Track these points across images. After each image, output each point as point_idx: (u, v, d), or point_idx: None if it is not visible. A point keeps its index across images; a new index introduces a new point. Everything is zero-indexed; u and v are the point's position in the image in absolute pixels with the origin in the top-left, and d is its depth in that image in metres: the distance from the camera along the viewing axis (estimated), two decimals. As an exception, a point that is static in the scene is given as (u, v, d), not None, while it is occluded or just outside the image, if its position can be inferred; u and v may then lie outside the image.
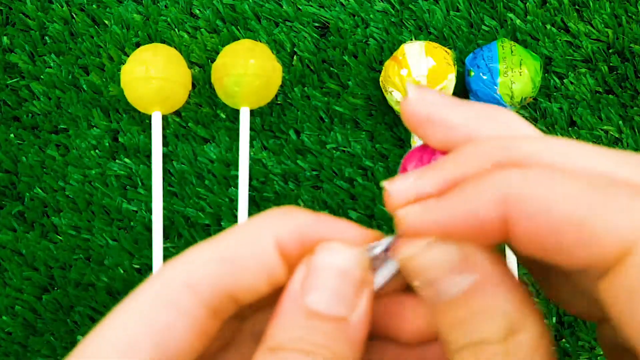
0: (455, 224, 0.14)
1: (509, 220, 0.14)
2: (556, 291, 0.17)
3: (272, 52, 0.43)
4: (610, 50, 0.45)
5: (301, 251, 0.16)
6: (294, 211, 0.17)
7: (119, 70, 0.43)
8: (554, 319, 0.44)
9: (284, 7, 0.45)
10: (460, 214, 0.14)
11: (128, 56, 0.43)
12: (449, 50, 0.42)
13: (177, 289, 0.16)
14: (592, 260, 0.13)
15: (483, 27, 0.45)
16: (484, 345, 0.14)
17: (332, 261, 0.16)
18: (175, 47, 0.44)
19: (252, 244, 0.16)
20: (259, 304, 0.17)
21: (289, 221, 0.16)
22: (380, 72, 0.44)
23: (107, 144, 0.44)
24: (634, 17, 0.45)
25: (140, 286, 0.16)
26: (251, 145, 0.44)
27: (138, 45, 0.44)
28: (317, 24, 0.45)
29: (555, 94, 0.45)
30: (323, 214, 0.17)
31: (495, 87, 0.41)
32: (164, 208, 0.43)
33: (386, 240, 0.17)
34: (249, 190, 0.43)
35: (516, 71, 0.41)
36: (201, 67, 0.44)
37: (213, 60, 0.44)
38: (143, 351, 0.16)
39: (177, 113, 0.44)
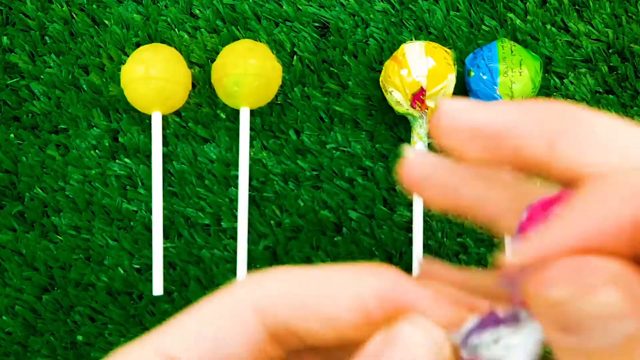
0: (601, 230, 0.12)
1: None
2: None
3: (272, 52, 0.43)
4: (610, 50, 0.45)
5: (389, 314, 0.15)
6: (382, 270, 0.15)
7: (119, 70, 0.43)
8: None
9: (284, 7, 0.45)
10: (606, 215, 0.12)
11: (128, 56, 0.43)
12: (449, 50, 0.42)
13: (243, 306, 0.15)
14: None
15: (483, 27, 0.45)
16: None
17: (409, 337, 0.14)
18: (175, 47, 0.44)
19: (331, 295, 0.15)
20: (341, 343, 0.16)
21: (376, 281, 0.15)
22: (380, 72, 0.44)
23: (107, 144, 0.44)
24: (634, 17, 0.45)
25: (209, 296, 0.15)
26: (251, 145, 0.44)
27: (138, 45, 0.44)
28: (317, 24, 0.45)
29: (555, 94, 0.45)
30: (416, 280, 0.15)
31: (495, 87, 0.41)
32: (164, 208, 0.43)
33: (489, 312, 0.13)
34: (249, 190, 0.43)
35: (516, 71, 0.41)
36: (201, 67, 0.44)
37: (213, 60, 0.44)
38: (202, 350, 0.15)
39: (177, 113, 0.44)
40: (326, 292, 0.15)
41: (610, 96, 0.45)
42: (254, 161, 0.44)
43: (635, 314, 0.12)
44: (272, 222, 0.44)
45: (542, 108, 0.14)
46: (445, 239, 0.43)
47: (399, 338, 0.14)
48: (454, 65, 0.41)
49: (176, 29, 0.45)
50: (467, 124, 0.14)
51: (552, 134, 0.13)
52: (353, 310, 0.14)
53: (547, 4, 0.45)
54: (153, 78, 0.40)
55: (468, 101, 0.14)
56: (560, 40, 0.45)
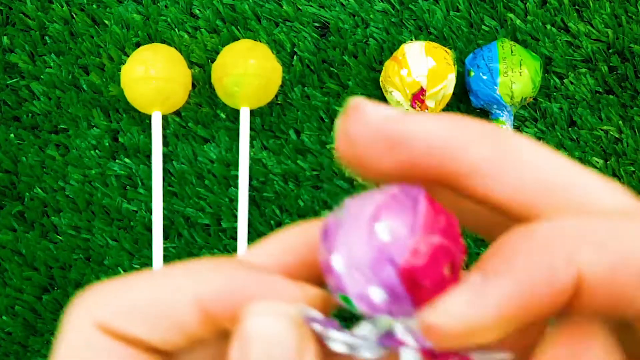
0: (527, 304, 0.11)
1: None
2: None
3: (272, 52, 0.43)
4: (610, 50, 0.45)
5: (232, 312, 0.14)
6: (222, 266, 0.14)
7: (119, 70, 0.43)
8: None
9: (284, 7, 0.45)
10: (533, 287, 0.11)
11: (128, 56, 0.43)
12: (449, 50, 0.42)
13: (87, 328, 0.14)
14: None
15: (483, 27, 0.45)
16: None
17: (259, 329, 0.13)
18: (175, 47, 0.44)
19: (168, 300, 0.14)
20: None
21: (215, 279, 0.14)
22: (380, 72, 0.44)
23: (107, 144, 0.44)
24: (634, 17, 0.45)
25: (58, 333, 0.14)
26: (251, 145, 0.44)
27: (138, 45, 0.44)
28: (317, 24, 0.45)
29: (555, 94, 0.45)
30: (258, 269, 0.15)
31: (495, 87, 0.41)
32: (164, 208, 0.43)
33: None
34: (249, 190, 0.43)
35: (516, 71, 0.41)
36: (201, 67, 0.44)
37: (213, 60, 0.44)
38: None
39: (177, 113, 0.44)
40: (163, 297, 0.14)
41: (610, 96, 0.45)
42: (254, 161, 0.44)
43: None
44: (272, 222, 0.44)
45: (475, 127, 0.12)
46: (445, 239, 0.43)
47: (245, 333, 0.13)
48: (454, 65, 0.41)
49: (176, 29, 0.45)
50: (393, 133, 0.13)
51: (483, 159, 0.12)
52: (194, 313, 0.14)
53: (547, 4, 0.45)
54: (153, 78, 0.40)
55: (385, 107, 0.13)
56: (560, 40, 0.45)
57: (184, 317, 0.14)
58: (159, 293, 0.14)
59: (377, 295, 0.12)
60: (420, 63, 0.40)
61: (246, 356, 0.13)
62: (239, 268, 0.14)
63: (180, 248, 0.43)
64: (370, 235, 0.12)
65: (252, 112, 0.44)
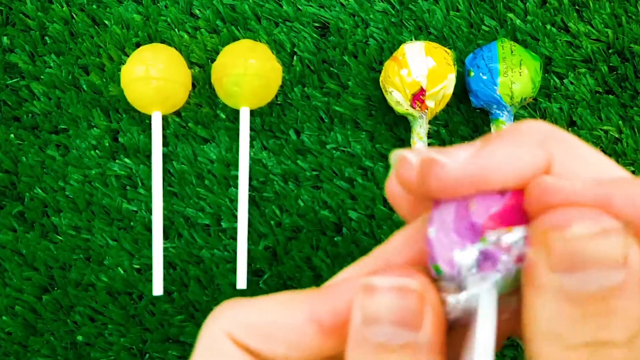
0: None
1: None
2: None
3: (272, 52, 0.43)
4: (610, 50, 0.45)
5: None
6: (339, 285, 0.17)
7: (119, 70, 0.43)
8: None
9: (284, 7, 0.45)
10: None
11: (128, 56, 0.43)
12: (449, 50, 0.42)
13: (222, 341, 0.17)
14: None
15: (483, 27, 0.45)
16: (607, 347, 0.13)
17: (384, 286, 0.15)
18: (175, 47, 0.44)
19: (287, 322, 0.17)
20: None
21: (330, 298, 0.17)
22: (380, 72, 0.44)
23: (107, 144, 0.44)
24: (634, 17, 0.45)
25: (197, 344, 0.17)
26: (251, 146, 0.44)
27: (138, 45, 0.44)
28: (317, 24, 0.45)
29: (555, 94, 0.45)
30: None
31: (495, 87, 0.41)
32: (164, 208, 0.43)
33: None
34: (249, 190, 0.43)
35: (516, 71, 0.41)
36: (201, 67, 0.44)
37: (213, 60, 0.44)
38: None
39: (177, 113, 0.44)
40: (283, 319, 0.16)
41: (610, 96, 0.45)
42: (254, 161, 0.44)
43: (626, 267, 0.13)
44: (272, 222, 0.44)
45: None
46: (445, 239, 0.43)
47: (371, 292, 0.15)
48: (454, 65, 0.41)
49: (176, 29, 0.45)
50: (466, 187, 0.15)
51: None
52: (312, 332, 0.16)
53: (547, 4, 0.45)
54: (153, 78, 0.40)
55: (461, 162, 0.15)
56: (560, 40, 0.45)
57: (301, 336, 0.16)
58: (280, 315, 0.17)
59: (460, 257, 0.15)
60: (420, 63, 0.40)
61: (370, 316, 0.15)
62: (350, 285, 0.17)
63: (180, 248, 0.43)
64: (457, 210, 0.15)
65: (252, 112, 0.44)
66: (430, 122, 0.44)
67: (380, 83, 0.43)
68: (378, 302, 0.15)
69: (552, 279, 0.14)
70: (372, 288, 0.15)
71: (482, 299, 0.15)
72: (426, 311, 0.15)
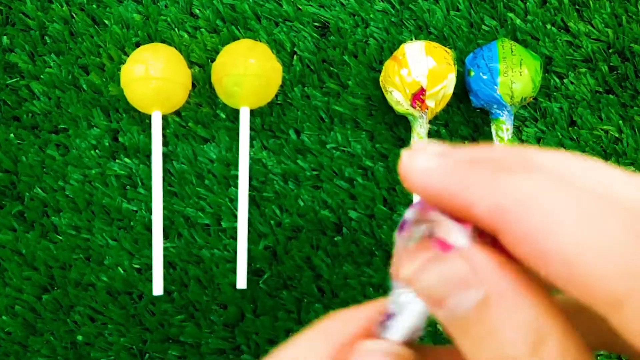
0: (450, 199, 0.14)
1: (499, 229, 0.13)
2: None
3: (272, 52, 0.43)
4: (610, 50, 0.45)
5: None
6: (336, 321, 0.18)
7: (119, 70, 0.43)
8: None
9: (284, 7, 0.45)
10: (456, 195, 0.14)
11: (128, 56, 0.43)
12: (449, 50, 0.42)
13: None
14: (583, 300, 0.12)
15: (483, 27, 0.45)
16: None
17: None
18: (175, 47, 0.44)
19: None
20: None
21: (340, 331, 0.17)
22: (380, 72, 0.44)
23: (107, 144, 0.44)
24: (634, 17, 0.45)
25: None
26: (251, 145, 0.44)
27: (138, 45, 0.44)
28: (317, 24, 0.45)
29: (555, 94, 0.45)
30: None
31: (495, 87, 0.41)
32: (164, 208, 0.43)
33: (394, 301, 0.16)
34: (249, 190, 0.43)
35: (516, 71, 0.41)
36: (201, 67, 0.44)
37: (213, 60, 0.44)
38: None
39: (177, 113, 0.44)
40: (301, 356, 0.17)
41: (610, 96, 0.45)
42: (254, 161, 0.44)
43: (479, 284, 0.13)
44: (272, 222, 0.43)
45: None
46: (445, 239, 0.43)
47: None
48: (454, 65, 0.41)
49: (176, 29, 0.45)
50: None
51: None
52: None
53: (547, 4, 0.45)
54: (153, 78, 0.40)
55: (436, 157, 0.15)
56: (560, 40, 0.45)
57: None
58: (298, 354, 0.17)
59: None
60: (420, 63, 0.40)
61: None
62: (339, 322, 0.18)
63: (180, 248, 0.43)
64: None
65: (252, 112, 0.43)
66: (430, 122, 0.44)
67: (380, 83, 0.43)
68: None
69: (436, 313, 0.15)
70: (366, 353, 0.16)
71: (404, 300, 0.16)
72: None
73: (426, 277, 0.14)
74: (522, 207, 0.13)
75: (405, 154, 0.15)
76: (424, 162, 0.15)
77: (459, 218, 0.14)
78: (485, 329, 0.13)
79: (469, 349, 0.14)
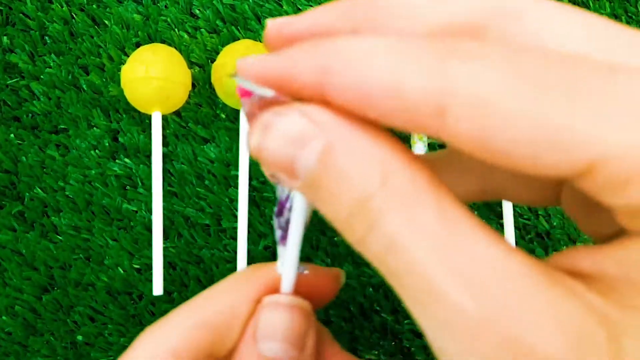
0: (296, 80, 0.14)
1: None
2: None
3: (272, 52, 0.43)
4: (610, 50, 0.45)
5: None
6: (259, 269, 0.19)
7: (119, 70, 0.43)
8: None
9: (284, 7, 0.45)
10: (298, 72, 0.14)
11: (128, 56, 0.43)
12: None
13: (164, 357, 0.18)
14: (543, 172, 0.12)
15: (483, 27, 0.45)
16: (367, 200, 0.13)
17: (278, 316, 0.17)
18: (175, 47, 0.44)
19: (230, 307, 0.18)
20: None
21: (259, 279, 0.19)
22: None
23: (107, 144, 0.44)
24: (634, 17, 0.45)
25: (125, 354, 0.18)
26: (251, 145, 0.44)
27: (138, 45, 0.44)
28: (317, 24, 0.45)
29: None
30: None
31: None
32: (164, 208, 0.43)
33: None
34: (249, 190, 0.43)
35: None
36: (201, 67, 0.44)
37: (213, 60, 0.44)
38: None
39: (177, 113, 0.44)
40: (225, 308, 0.19)
41: (610, 96, 0.45)
42: (254, 161, 0.44)
43: (319, 133, 0.14)
44: (272, 222, 0.44)
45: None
46: (445, 239, 0.43)
47: (266, 316, 0.18)
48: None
49: (176, 29, 0.45)
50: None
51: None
52: (248, 312, 0.19)
53: (547, 4, 0.45)
54: (153, 78, 0.40)
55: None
56: (560, 40, 0.45)
57: (244, 318, 0.19)
58: (223, 307, 0.19)
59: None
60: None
61: (265, 333, 0.17)
62: (269, 269, 0.20)
63: (180, 248, 0.43)
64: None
65: (252, 112, 0.44)
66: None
67: (380, 83, 0.43)
68: (276, 319, 0.17)
69: (293, 185, 0.15)
70: (275, 304, 0.17)
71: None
72: (310, 333, 0.17)
73: (270, 141, 0.14)
74: (344, 61, 0.13)
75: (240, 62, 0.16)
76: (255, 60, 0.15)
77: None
78: (335, 176, 0.13)
79: (329, 207, 0.14)
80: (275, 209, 0.19)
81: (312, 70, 0.14)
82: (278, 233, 0.19)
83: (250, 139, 0.15)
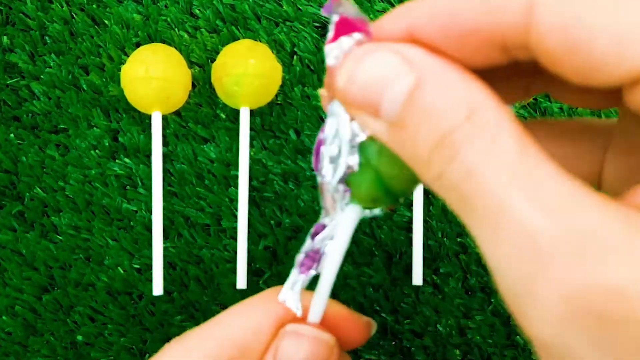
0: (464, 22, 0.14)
1: (532, 28, 0.13)
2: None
3: (272, 52, 0.43)
4: (610, 50, 0.45)
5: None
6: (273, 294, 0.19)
7: (119, 70, 0.43)
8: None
9: (284, 7, 0.45)
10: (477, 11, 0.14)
11: (128, 56, 0.43)
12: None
13: None
14: (624, 75, 0.12)
15: (483, 27, 0.45)
16: (451, 134, 0.13)
17: (299, 347, 0.18)
18: (175, 47, 0.44)
19: (254, 326, 0.18)
20: None
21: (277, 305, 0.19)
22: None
23: (107, 144, 0.44)
24: (634, 17, 0.45)
25: None
26: (251, 145, 0.44)
27: (138, 45, 0.44)
28: (317, 24, 0.45)
29: (555, 94, 0.45)
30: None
31: (495, 87, 0.41)
32: (164, 208, 0.43)
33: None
34: (249, 190, 0.43)
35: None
36: (201, 67, 0.44)
37: (213, 60, 0.44)
38: None
39: (177, 113, 0.44)
40: (246, 333, 0.19)
41: (611, 96, 0.45)
42: (254, 161, 0.44)
43: (410, 69, 0.14)
44: (272, 222, 0.44)
45: None
46: (445, 239, 0.43)
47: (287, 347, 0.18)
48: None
49: (176, 29, 0.45)
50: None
51: None
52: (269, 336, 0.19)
53: (547, 4, 0.45)
54: (153, 78, 0.40)
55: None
56: (560, 40, 0.45)
57: (265, 341, 0.19)
58: (245, 331, 0.19)
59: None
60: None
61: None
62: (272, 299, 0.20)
63: (180, 248, 0.43)
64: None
65: (252, 112, 0.43)
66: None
67: (380, 83, 0.43)
68: (296, 349, 0.17)
69: (370, 125, 0.15)
70: (296, 334, 0.17)
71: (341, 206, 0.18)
72: None
73: (360, 75, 0.14)
74: None
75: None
76: None
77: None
78: (422, 111, 0.14)
79: (410, 145, 0.14)
80: (312, 230, 0.18)
81: (398, 25, 0.14)
82: (300, 257, 0.18)
83: (338, 77, 0.15)
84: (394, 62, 0.14)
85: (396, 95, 0.14)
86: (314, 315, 0.18)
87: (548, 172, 0.13)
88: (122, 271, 0.43)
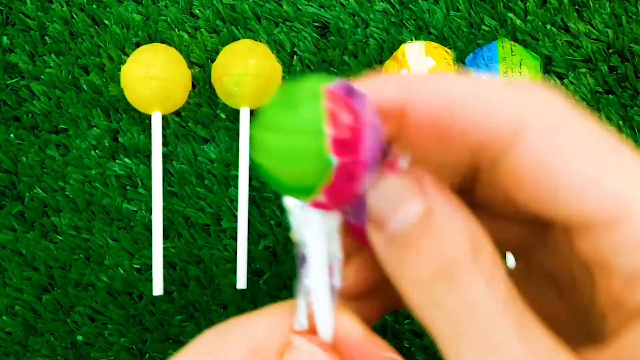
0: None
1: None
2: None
3: (272, 52, 0.43)
4: (610, 50, 0.45)
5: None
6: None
7: (119, 70, 0.43)
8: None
9: (284, 7, 0.45)
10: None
11: (128, 56, 0.43)
12: (449, 50, 0.42)
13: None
14: (579, 217, 0.14)
15: (483, 27, 0.45)
16: (453, 265, 0.14)
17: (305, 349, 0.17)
18: (175, 47, 0.44)
19: (273, 335, 0.18)
20: None
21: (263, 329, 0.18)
22: (380, 72, 0.44)
23: (107, 144, 0.44)
24: (634, 17, 0.45)
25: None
26: (251, 145, 0.44)
27: (138, 45, 0.44)
28: (317, 24, 0.45)
29: (555, 94, 0.45)
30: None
31: (495, 87, 0.41)
32: (164, 208, 0.43)
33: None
34: (249, 190, 0.43)
35: (516, 71, 0.41)
36: (201, 67, 0.44)
37: (213, 60, 0.44)
38: None
39: (177, 113, 0.44)
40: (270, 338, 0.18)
41: (610, 96, 0.45)
42: (254, 161, 0.44)
43: (423, 196, 0.14)
44: (272, 222, 0.44)
45: None
46: (445, 239, 0.43)
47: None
48: (454, 65, 0.41)
49: (176, 29, 0.45)
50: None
51: None
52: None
53: (547, 4, 0.45)
54: (153, 78, 0.40)
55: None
56: (560, 40, 0.45)
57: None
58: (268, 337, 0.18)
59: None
60: (420, 63, 0.40)
61: None
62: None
63: (180, 248, 0.43)
64: None
65: (252, 112, 0.44)
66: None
67: (380, 83, 0.43)
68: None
69: (377, 239, 0.15)
70: (300, 351, 0.17)
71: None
72: None
73: (380, 184, 0.15)
74: (425, 81, 0.15)
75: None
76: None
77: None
78: (429, 239, 0.14)
79: (411, 264, 0.14)
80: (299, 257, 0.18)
81: (395, 89, 0.15)
82: (299, 285, 0.18)
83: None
84: (407, 184, 0.15)
85: (408, 215, 0.14)
86: (323, 331, 0.17)
87: (531, 321, 0.14)
88: (122, 271, 0.43)
